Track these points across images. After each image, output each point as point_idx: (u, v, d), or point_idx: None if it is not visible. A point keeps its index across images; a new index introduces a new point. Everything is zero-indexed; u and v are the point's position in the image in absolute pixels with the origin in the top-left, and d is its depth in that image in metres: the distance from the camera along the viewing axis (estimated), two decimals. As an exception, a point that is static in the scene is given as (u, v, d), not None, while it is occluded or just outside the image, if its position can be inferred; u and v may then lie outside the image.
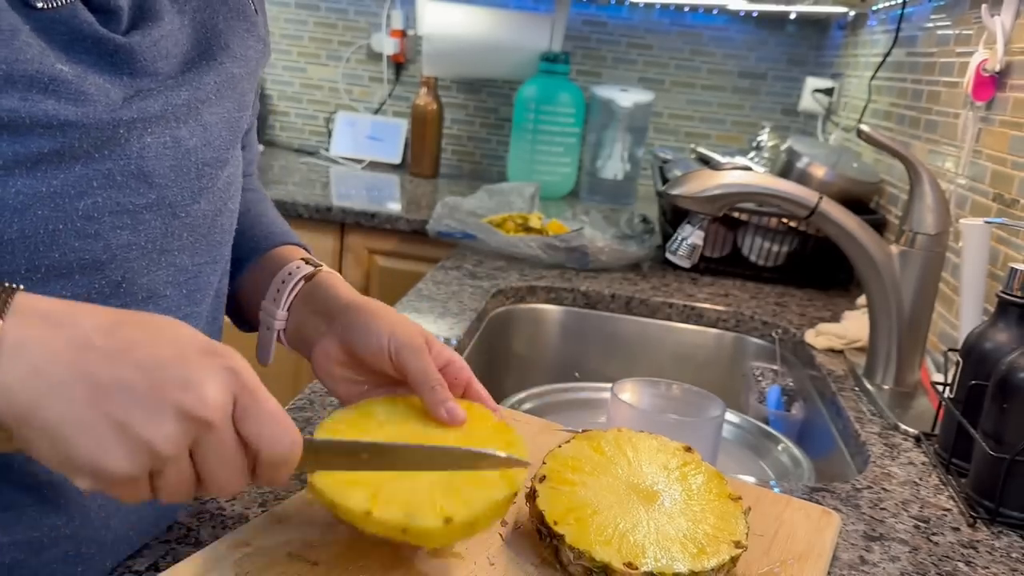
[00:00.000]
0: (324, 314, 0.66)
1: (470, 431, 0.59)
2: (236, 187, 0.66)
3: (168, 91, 0.55)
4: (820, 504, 0.71)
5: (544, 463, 0.63)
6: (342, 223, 1.86)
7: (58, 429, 0.40)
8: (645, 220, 1.71)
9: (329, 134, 2.50)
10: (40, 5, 0.48)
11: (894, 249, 1.02)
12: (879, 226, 1.44)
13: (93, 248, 0.52)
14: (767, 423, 1.08)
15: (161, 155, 0.54)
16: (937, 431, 0.90)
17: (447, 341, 1.07)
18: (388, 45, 2.41)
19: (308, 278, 0.69)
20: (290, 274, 0.70)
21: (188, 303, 0.61)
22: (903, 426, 0.94)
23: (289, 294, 0.69)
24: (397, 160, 2.45)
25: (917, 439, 0.92)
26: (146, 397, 0.41)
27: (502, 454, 0.53)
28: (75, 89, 0.49)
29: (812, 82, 2.11)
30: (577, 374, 1.34)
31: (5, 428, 0.41)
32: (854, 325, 1.19)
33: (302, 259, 0.72)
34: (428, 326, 1.13)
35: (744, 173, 1.06)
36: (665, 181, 1.63)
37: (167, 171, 0.55)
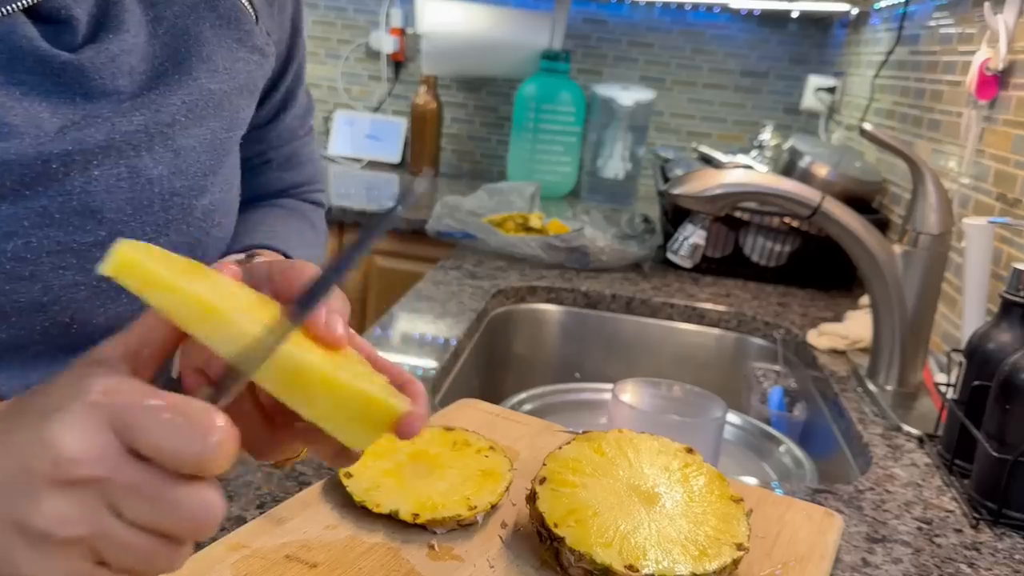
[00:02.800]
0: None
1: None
2: (224, 211, 0.59)
3: (118, 116, 0.49)
4: (822, 506, 0.70)
5: (544, 464, 0.62)
6: (341, 223, 1.86)
7: None
8: (646, 220, 1.70)
9: (328, 133, 2.50)
10: None
11: (897, 249, 1.02)
12: (882, 226, 1.44)
13: (29, 290, 0.48)
14: (769, 424, 1.07)
15: (113, 188, 0.49)
16: (940, 432, 0.89)
17: (447, 341, 1.07)
18: (387, 43, 2.40)
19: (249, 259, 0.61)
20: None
21: None
22: (906, 427, 0.93)
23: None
24: (396, 159, 2.45)
25: (920, 440, 0.91)
26: (16, 487, 0.32)
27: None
28: None
29: (814, 81, 2.10)
30: (578, 374, 1.33)
31: None
32: (856, 325, 1.18)
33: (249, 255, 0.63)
34: (428, 326, 1.12)
35: (746, 172, 1.06)
36: (666, 180, 1.62)
37: (122, 205, 0.50)
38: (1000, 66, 1.09)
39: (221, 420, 0.33)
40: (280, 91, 0.71)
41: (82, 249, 0.49)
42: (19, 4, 0.45)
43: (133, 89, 0.51)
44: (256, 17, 0.60)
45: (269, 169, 0.75)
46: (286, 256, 0.65)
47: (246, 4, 0.59)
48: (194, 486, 0.33)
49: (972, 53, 1.20)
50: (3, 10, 0.45)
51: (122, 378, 0.34)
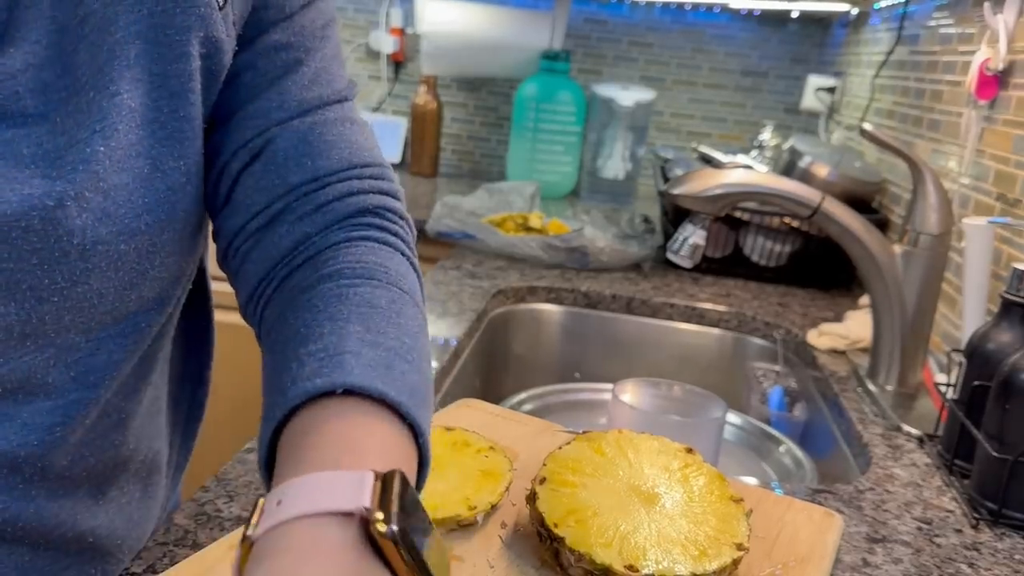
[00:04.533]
0: None
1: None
2: (170, 250, 0.50)
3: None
4: (822, 506, 0.70)
5: (544, 465, 0.62)
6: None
7: None
8: (646, 220, 1.70)
9: (329, 133, 2.50)
10: None
11: (897, 249, 1.02)
12: (882, 226, 1.44)
13: None
14: (769, 424, 1.07)
15: (15, 241, 0.41)
16: (940, 432, 0.89)
17: (447, 341, 1.07)
18: (387, 43, 2.40)
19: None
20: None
21: (77, 387, 0.48)
22: (906, 427, 0.93)
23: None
24: (396, 159, 2.45)
25: (920, 440, 0.91)
26: None
27: None
28: None
29: (814, 81, 2.10)
30: (577, 374, 1.33)
31: None
32: (856, 325, 1.18)
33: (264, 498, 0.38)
34: (428, 326, 1.12)
35: (746, 172, 1.06)
36: (666, 180, 1.62)
37: (23, 253, 0.41)
38: (1000, 66, 1.09)
39: None
40: (266, 43, 0.52)
41: None
42: None
43: (45, 110, 0.41)
44: (222, 1, 0.47)
45: (276, 155, 0.53)
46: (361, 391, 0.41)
47: None
48: None
49: (972, 53, 1.20)
50: None
51: None
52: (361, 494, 0.35)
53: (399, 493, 0.35)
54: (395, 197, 0.56)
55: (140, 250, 0.47)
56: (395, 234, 0.54)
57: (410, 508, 0.35)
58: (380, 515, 0.34)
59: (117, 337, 0.49)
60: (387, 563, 0.34)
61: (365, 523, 0.34)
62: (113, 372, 0.50)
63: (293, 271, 0.51)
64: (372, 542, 0.34)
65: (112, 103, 0.42)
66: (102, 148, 0.42)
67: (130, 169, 0.44)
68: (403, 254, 0.53)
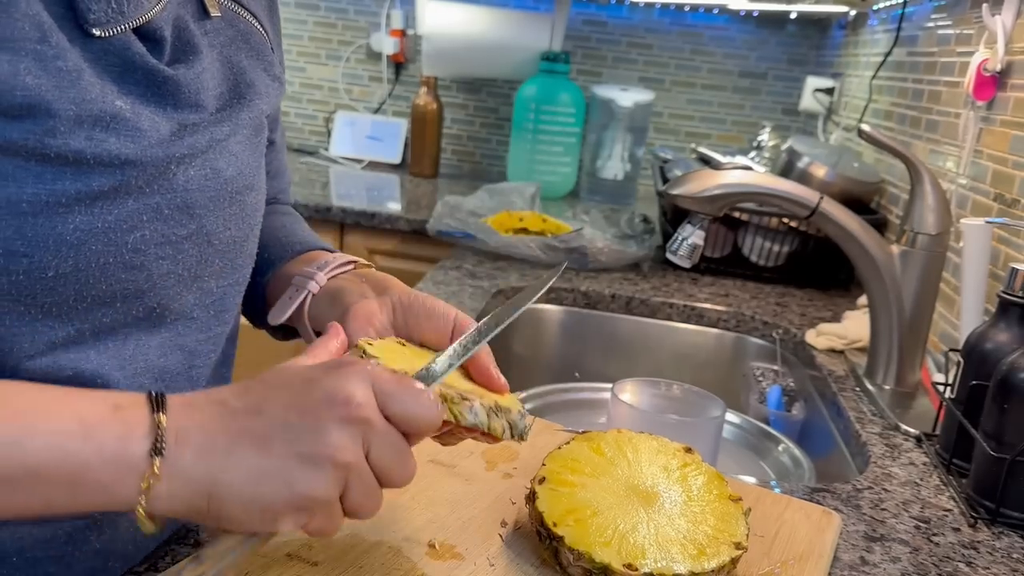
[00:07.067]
0: (375, 286, 0.66)
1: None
2: (261, 211, 0.67)
3: (212, 126, 0.57)
4: (821, 504, 0.71)
5: (544, 464, 0.63)
6: (342, 223, 1.86)
7: (244, 489, 0.43)
8: (645, 220, 1.70)
9: (329, 134, 2.50)
10: (97, 33, 0.49)
11: (895, 249, 1.02)
12: (880, 226, 1.44)
13: (137, 278, 0.54)
14: (768, 423, 1.08)
15: (203, 187, 0.56)
16: (938, 431, 0.89)
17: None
18: (388, 45, 2.41)
19: (359, 266, 0.71)
20: (335, 258, 0.70)
21: (216, 323, 0.63)
22: (904, 426, 0.94)
23: (336, 268, 0.69)
24: (397, 160, 2.45)
25: (918, 439, 0.91)
26: (305, 425, 0.44)
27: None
28: (132, 125, 0.50)
29: (813, 82, 2.10)
30: (577, 374, 1.34)
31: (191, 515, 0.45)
32: (855, 325, 1.19)
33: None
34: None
35: (744, 173, 1.06)
36: (665, 181, 1.63)
37: (207, 202, 0.57)
38: (998, 67, 1.10)
39: (436, 398, 0.49)
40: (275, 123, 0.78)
41: (177, 241, 0.55)
42: (133, 23, 0.52)
43: (210, 105, 0.58)
44: (272, 48, 0.68)
45: (267, 179, 0.79)
46: (324, 249, 0.77)
47: (266, 37, 0.67)
48: (411, 449, 0.48)
49: (970, 54, 1.20)
50: (121, 27, 0.51)
51: (376, 363, 0.49)
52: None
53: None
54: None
55: (255, 202, 0.64)
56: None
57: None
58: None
59: (234, 285, 0.64)
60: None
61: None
62: (234, 311, 0.66)
63: None
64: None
65: (254, 104, 0.62)
66: (245, 130, 0.61)
67: (252, 145, 0.63)
68: None
